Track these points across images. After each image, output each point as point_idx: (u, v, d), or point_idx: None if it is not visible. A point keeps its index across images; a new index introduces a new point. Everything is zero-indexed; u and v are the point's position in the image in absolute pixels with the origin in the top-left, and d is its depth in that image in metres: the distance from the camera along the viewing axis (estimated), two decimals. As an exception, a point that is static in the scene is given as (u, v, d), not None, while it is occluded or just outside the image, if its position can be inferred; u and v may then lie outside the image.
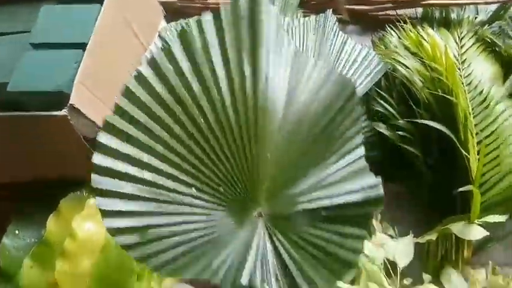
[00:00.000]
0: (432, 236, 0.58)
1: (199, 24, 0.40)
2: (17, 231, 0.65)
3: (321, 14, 0.75)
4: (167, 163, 0.38)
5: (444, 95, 0.58)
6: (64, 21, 0.64)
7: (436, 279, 0.57)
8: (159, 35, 0.76)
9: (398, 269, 0.56)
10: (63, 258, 0.58)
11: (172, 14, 0.88)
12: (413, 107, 0.62)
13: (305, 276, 0.41)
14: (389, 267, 0.57)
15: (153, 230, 0.38)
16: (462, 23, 0.77)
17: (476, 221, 0.57)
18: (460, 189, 0.55)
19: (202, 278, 0.37)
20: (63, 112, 0.55)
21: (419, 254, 0.61)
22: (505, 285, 0.54)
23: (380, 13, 0.83)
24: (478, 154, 0.61)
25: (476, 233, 0.56)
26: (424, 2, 0.78)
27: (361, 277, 0.56)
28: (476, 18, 0.80)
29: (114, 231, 0.38)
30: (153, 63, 0.40)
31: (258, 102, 0.39)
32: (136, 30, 0.75)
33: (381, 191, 0.43)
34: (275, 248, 0.41)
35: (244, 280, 0.38)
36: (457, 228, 0.57)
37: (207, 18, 0.41)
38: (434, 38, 0.72)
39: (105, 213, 0.39)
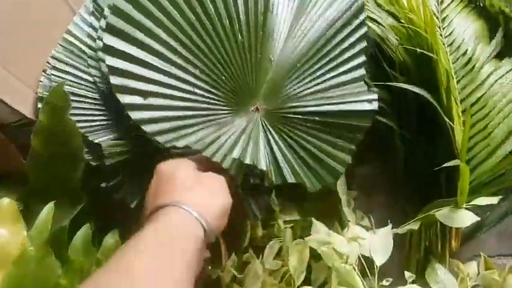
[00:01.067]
0: (414, 226, 0.49)
1: None
2: None
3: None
4: (177, 55, 0.43)
5: (423, 52, 0.48)
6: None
7: (421, 275, 0.49)
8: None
9: (375, 267, 0.47)
10: (-34, 272, 0.48)
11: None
12: (387, 69, 0.52)
13: (292, 171, 0.47)
14: (364, 265, 0.48)
15: (156, 99, 0.42)
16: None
17: (464, 205, 0.48)
18: (445, 164, 0.45)
19: (194, 148, 0.42)
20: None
21: (399, 246, 0.52)
22: (500, 281, 0.46)
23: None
24: (463, 125, 0.52)
25: (465, 219, 0.47)
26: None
27: (332, 279, 0.47)
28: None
29: (117, 89, 0.42)
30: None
31: (269, 6, 0.45)
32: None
33: (375, 106, 0.47)
34: (267, 140, 0.46)
35: (235, 154, 0.43)
36: (442, 214, 0.48)
37: None
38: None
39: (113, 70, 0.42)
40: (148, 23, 0.42)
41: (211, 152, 0.43)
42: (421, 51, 0.48)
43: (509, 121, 0.52)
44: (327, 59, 0.49)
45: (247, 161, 0.45)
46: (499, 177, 0.51)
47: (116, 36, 0.43)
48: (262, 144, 0.47)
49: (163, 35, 0.43)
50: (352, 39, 0.50)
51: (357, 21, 0.50)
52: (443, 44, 0.58)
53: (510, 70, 0.55)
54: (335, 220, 0.55)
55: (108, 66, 0.43)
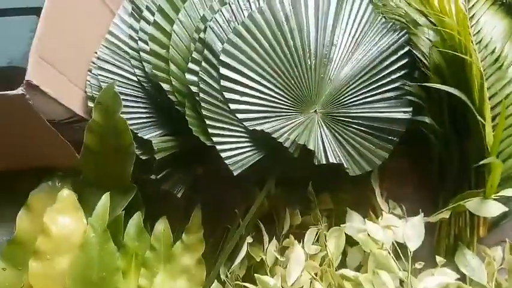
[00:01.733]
0: (445, 215, 0.53)
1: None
2: (-14, 229, 0.59)
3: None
4: (267, 73, 0.57)
5: (456, 53, 0.51)
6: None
7: (450, 260, 0.53)
8: (129, -1, 0.66)
9: (408, 252, 0.51)
10: (37, 258, 0.52)
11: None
12: (423, 69, 0.56)
13: (334, 155, 0.56)
14: (399, 250, 0.52)
15: (248, 98, 0.55)
16: (469, -26, 0.69)
17: (492, 196, 0.52)
18: (482, 161, 0.49)
19: (275, 135, 0.54)
20: (20, 91, 0.48)
21: (430, 233, 0.56)
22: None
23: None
24: (493, 120, 0.55)
25: (493, 209, 0.50)
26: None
27: (368, 263, 0.51)
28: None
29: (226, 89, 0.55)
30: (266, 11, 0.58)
31: (333, 41, 0.59)
32: (106, -1, 0.66)
33: (409, 116, 0.56)
34: (320, 133, 0.57)
35: (292, 137, 0.54)
36: (472, 204, 0.51)
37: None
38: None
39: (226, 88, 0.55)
40: (250, 55, 0.57)
41: (278, 135, 0.54)
42: (454, 53, 0.51)
43: (536, 117, 0.55)
44: (374, 79, 0.58)
45: (301, 141, 0.54)
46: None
47: (227, 68, 0.55)
48: (315, 135, 0.56)
49: (260, 60, 0.57)
50: (396, 66, 0.59)
51: (402, 52, 0.59)
52: (472, 43, 0.61)
53: (537, 68, 0.58)
54: (368, 209, 0.59)
55: (222, 86, 0.55)
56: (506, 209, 0.50)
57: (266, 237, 0.57)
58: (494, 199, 0.52)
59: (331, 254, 0.54)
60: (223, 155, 0.52)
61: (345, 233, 0.55)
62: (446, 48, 0.54)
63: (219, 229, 0.61)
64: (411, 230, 0.53)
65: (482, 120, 0.50)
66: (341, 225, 0.56)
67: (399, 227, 0.54)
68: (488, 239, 0.57)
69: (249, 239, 0.57)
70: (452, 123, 0.55)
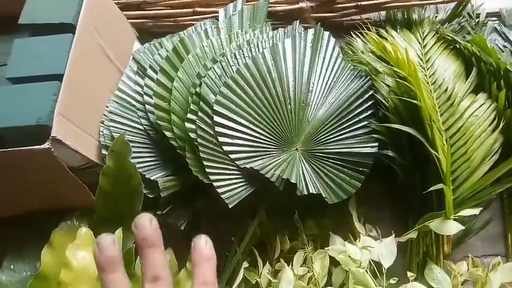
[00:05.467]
0: (413, 235, 0.61)
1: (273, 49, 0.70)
2: (12, 266, 0.66)
3: (288, 27, 0.78)
4: (253, 118, 0.66)
5: (409, 100, 0.61)
6: (38, 53, 0.65)
7: (420, 275, 0.61)
8: (133, 58, 0.77)
9: (383, 269, 0.59)
10: (61, 288, 0.59)
11: (145, 34, 0.89)
12: (382, 111, 0.66)
13: (314, 186, 0.65)
14: (375, 268, 0.60)
15: (239, 140, 0.64)
16: (423, 23, 0.81)
17: (452, 216, 0.60)
18: (431, 188, 0.58)
19: (263, 171, 0.63)
20: (46, 145, 0.56)
21: (402, 252, 0.64)
22: (484, 276, 0.58)
23: (345, 19, 0.86)
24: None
25: (452, 228, 0.59)
26: (385, 6, 0.81)
27: (349, 281, 0.59)
28: (436, 17, 0.84)
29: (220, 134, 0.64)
30: (251, 66, 0.68)
31: (309, 88, 0.69)
32: (111, 55, 0.76)
33: (375, 149, 0.66)
34: (301, 168, 0.66)
35: (277, 172, 0.64)
36: (434, 224, 0.60)
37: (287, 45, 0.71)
38: (396, 42, 0.76)
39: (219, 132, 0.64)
40: (239, 103, 0.66)
41: (266, 171, 0.63)
42: (408, 99, 0.61)
43: (484, 146, 0.64)
44: (345, 119, 0.68)
45: (285, 176, 0.63)
46: (479, 192, 0.63)
47: (219, 116, 0.65)
48: (296, 169, 0.65)
49: (247, 108, 0.66)
50: (363, 107, 0.69)
51: (367, 95, 0.69)
52: (428, 83, 0.71)
53: (484, 103, 0.68)
54: (348, 233, 0.67)
55: (216, 132, 0.64)
56: (463, 227, 0.59)
57: (260, 262, 0.65)
58: (454, 219, 0.60)
59: (317, 274, 0.62)
60: (219, 190, 0.61)
61: (329, 255, 0.63)
62: (401, 92, 0.64)
63: (218, 256, 0.69)
64: (385, 250, 0.61)
65: (435, 153, 0.60)
66: (325, 248, 0.64)
67: (375, 247, 0.62)
68: (454, 255, 0.65)
69: (245, 264, 0.65)
70: (412, 154, 0.64)
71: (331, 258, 0.63)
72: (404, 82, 0.62)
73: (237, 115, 0.66)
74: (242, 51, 0.73)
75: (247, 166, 0.63)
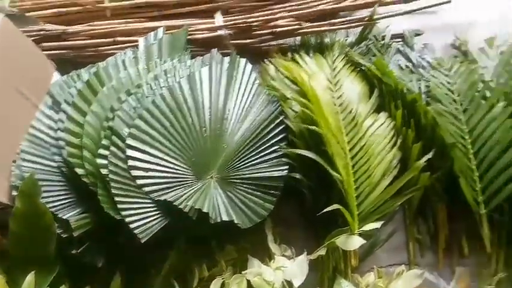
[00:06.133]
0: (322, 252, 0.65)
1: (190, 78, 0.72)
2: None
3: (206, 55, 0.81)
4: (169, 148, 0.68)
5: (309, 127, 0.65)
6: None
7: (331, 289, 0.64)
8: (49, 92, 0.76)
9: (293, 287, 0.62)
10: None
11: (68, 65, 0.89)
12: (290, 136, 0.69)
13: (227, 213, 0.66)
14: (286, 287, 0.62)
15: (153, 172, 0.66)
16: (334, 47, 0.85)
17: (356, 231, 0.64)
18: (327, 208, 0.62)
19: (176, 203, 0.64)
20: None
21: (315, 268, 0.67)
22: (384, 286, 0.62)
23: (263, 44, 0.89)
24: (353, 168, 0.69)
25: (356, 242, 0.62)
26: (298, 32, 0.86)
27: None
28: (346, 40, 0.89)
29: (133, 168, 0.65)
30: (168, 96, 0.70)
31: (224, 116, 0.71)
32: (27, 93, 0.75)
33: (285, 173, 0.69)
34: (215, 195, 0.68)
35: (190, 203, 0.65)
36: (340, 241, 0.63)
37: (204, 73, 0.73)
38: (307, 67, 0.80)
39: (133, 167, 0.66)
40: (154, 135, 0.68)
41: (179, 202, 0.64)
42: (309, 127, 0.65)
43: (385, 163, 0.69)
44: (258, 144, 0.71)
45: (197, 206, 0.65)
46: (381, 206, 0.67)
47: (133, 150, 0.66)
48: (210, 197, 0.67)
49: (162, 139, 0.68)
50: (274, 132, 0.72)
51: (277, 121, 0.73)
52: (335, 105, 0.75)
53: (384, 122, 0.73)
54: (266, 254, 0.69)
55: (130, 166, 0.65)
56: (365, 241, 0.63)
57: (179, 291, 0.66)
58: (359, 233, 0.64)
59: (234, 298, 0.64)
60: (131, 226, 0.62)
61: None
62: (304, 118, 0.68)
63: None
64: (297, 268, 0.64)
65: (337, 175, 0.64)
66: (242, 272, 0.66)
67: (288, 267, 0.65)
68: (363, 266, 0.69)
69: (166, 294, 0.66)
70: (318, 176, 0.68)
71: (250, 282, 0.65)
72: (306, 109, 0.66)
73: (152, 147, 0.67)
74: (159, 81, 0.74)
75: (161, 198, 0.64)
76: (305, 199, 0.70)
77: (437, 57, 0.82)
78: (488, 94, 0.71)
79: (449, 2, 0.85)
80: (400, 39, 0.88)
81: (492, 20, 0.88)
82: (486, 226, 0.65)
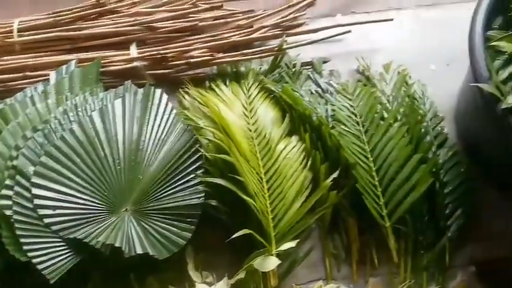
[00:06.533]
0: (241, 275, 0.66)
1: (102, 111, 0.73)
2: None
3: (120, 87, 0.81)
4: (77, 183, 0.67)
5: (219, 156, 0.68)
6: None
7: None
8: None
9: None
10: None
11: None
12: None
13: (142, 245, 0.66)
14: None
15: (61, 210, 0.64)
16: (249, 75, 0.89)
17: (273, 252, 0.66)
18: (236, 234, 0.64)
19: (87, 240, 0.63)
20: None
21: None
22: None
23: (180, 74, 0.91)
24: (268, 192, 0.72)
25: (271, 263, 0.65)
26: (212, 62, 0.89)
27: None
28: (261, 68, 0.93)
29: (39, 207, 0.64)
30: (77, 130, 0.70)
31: (139, 147, 0.72)
32: None
33: (202, 200, 0.70)
34: (129, 228, 0.67)
35: (117, 243, 0.64)
36: (257, 263, 0.65)
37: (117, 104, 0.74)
38: (223, 95, 0.83)
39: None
40: (62, 172, 0.67)
41: (90, 239, 0.63)
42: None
43: (297, 185, 0.72)
44: (175, 173, 0.71)
45: (109, 241, 0.63)
46: (296, 225, 0.70)
47: (39, 188, 0.65)
48: (123, 231, 0.65)
49: (71, 175, 0.67)
50: (190, 161, 0.72)
51: (193, 149, 0.73)
52: (250, 130, 0.78)
53: (295, 145, 0.77)
54: (187, 283, 0.69)
55: (36, 205, 0.64)
56: (280, 262, 0.65)
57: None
58: (277, 254, 0.66)
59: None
60: (39, 267, 0.59)
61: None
62: (218, 147, 0.70)
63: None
64: (216, 295, 0.65)
65: (249, 200, 0.66)
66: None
67: (208, 294, 0.65)
68: (284, 285, 0.71)
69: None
70: (234, 201, 0.70)
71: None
72: (215, 139, 0.68)
73: (60, 184, 0.65)
74: (68, 115, 0.73)
75: (71, 236, 0.62)
76: (227, 225, 0.71)
77: (343, 82, 0.88)
78: (385, 115, 0.78)
79: (349, 31, 0.93)
80: (310, 67, 0.94)
81: (391, 47, 0.96)
82: (392, 238, 0.70)
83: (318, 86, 0.90)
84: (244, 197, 0.66)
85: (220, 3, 0.94)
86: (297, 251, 0.74)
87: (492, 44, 0.64)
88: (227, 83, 0.89)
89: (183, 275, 0.70)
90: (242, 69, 0.93)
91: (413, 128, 0.76)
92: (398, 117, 0.79)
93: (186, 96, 0.84)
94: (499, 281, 0.73)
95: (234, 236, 0.63)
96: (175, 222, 0.68)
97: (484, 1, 0.68)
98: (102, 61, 0.89)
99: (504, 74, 0.64)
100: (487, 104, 0.61)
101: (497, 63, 0.67)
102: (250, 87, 0.87)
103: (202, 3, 0.95)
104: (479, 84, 0.61)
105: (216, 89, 0.86)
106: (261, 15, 0.94)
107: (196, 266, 0.71)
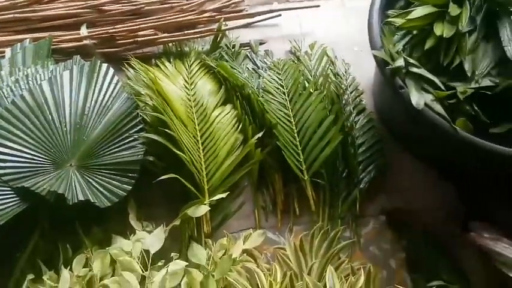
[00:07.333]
0: (176, 222, 0.74)
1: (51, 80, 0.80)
2: None
3: (69, 61, 0.88)
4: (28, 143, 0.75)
5: (157, 115, 0.77)
6: None
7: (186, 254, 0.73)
8: None
9: (150, 254, 0.70)
10: None
11: None
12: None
13: (84, 193, 0.73)
14: (145, 255, 0.71)
15: (11, 163, 0.72)
16: (191, 54, 0.98)
17: (206, 202, 0.76)
18: (162, 177, 0.73)
19: (33, 188, 0.70)
20: None
21: (176, 238, 0.76)
22: (227, 244, 0.73)
23: (128, 53, 0.99)
24: (203, 152, 0.81)
25: (202, 210, 0.74)
26: (158, 41, 0.97)
27: (117, 269, 0.68)
28: (203, 48, 1.02)
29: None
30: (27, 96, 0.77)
31: (84, 111, 0.79)
32: None
33: (141, 157, 0.78)
34: (73, 179, 0.74)
35: (60, 190, 0.71)
36: (190, 210, 0.74)
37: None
38: (167, 70, 0.92)
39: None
40: (12, 131, 0.75)
41: (36, 187, 0.70)
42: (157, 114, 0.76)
43: (228, 145, 0.82)
44: (118, 134, 0.80)
45: (53, 189, 0.70)
46: (226, 180, 0.80)
47: None
48: (67, 182, 0.73)
49: (22, 134, 0.74)
50: (132, 124, 0.81)
51: (134, 113, 0.82)
52: (190, 100, 0.87)
53: (229, 112, 0.87)
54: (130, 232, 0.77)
55: None
56: (209, 209, 0.74)
57: (45, 270, 0.70)
58: (205, 203, 0.75)
59: (96, 271, 0.70)
60: (-11, 211, 0.66)
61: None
62: (156, 110, 0.78)
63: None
64: (154, 239, 0.73)
65: (182, 154, 0.75)
66: (106, 248, 0.73)
67: (146, 239, 0.73)
68: (219, 234, 0.80)
69: (30, 276, 0.70)
70: (171, 158, 0.78)
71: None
72: (153, 102, 0.77)
73: (10, 141, 0.72)
74: (19, 84, 0.80)
75: (19, 185, 0.69)
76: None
77: (275, 60, 0.99)
78: (307, 85, 0.89)
79: (279, 15, 1.04)
80: (248, 48, 1.04)
81: (319, 31, 1.08)
82: (310, 189, 0.80)
83: (254, 63, 1.00)
84: (177, 152, 0.75)
85: (164, -12, 1.03)
86: (230, 205, 0.83)
87: (388, 20, 0.76)
88: (171, 60, 0.98)
89: (125, 225, 0.78)
90: (186, 49, 1.02)
91: (326, 97, 0.87)
92: (322, 89, 0.89)
93: (131, 70, 0.92)
94: (404, 228, 0.84)
95: (160, 179, 0.73)
96: (117, 177, 0.76)
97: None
98: (55, 40, 0.96)
99: (399, 46, 0.76)
100: (380, 68, 0.72)
101: (396, 38, 0.79)
102: (192, 64, 0.96)
103: (150, -11, 1.04)
104: (373, 51, 0.73)
105: (161, 65, 0.95)
106: (202, 1, 1.04)
107: (139, 217, 0.79)
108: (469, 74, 0.69)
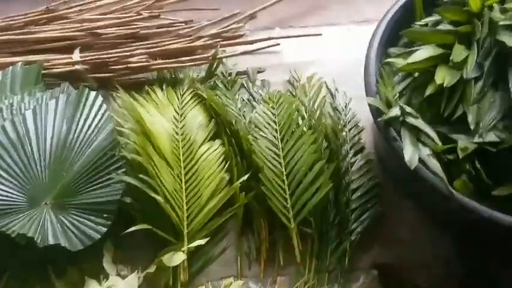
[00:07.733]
0: (151, 269, 0.71)
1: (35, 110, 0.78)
2: None
3: (57, 88, 0.86)
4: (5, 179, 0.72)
5: (136, 157, 0.73)
6: None
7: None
8: None
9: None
10: None
11: None
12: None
13: (54, 237, 0.69)
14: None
15: None
16: (184, 82, 0.94)
17: (184, 249, 0.71)
18: (132, 228, 0.70)
19: (3, 230, 0.66)
20: None
21: (151, 285, 0.72)
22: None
23: (121, 78, 0.96)
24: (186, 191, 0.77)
25: (178, 259, 0.69)
26: (151, 68, 0.94)
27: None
28: (198, 75, 0.98)
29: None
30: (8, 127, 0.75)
31: (66, 145, 0.77)
32: None
33: (118, 197, 0.74)
34: (46, 221, 0.71)
35: (30, 233, 0.68)
36: (165, 258, 0.70)
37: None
38: (158, 99, 0.88)
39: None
40: None
41: (6, 229, 0.67)
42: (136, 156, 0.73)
43: (212, 185, 0.78)
44: (96, 171, 0.76)
45: (23, 231, 0.67)
46: (207, 224, 0.75)
47: None
48: (38, 223, 0.70)
49: None
50: (111, 161, 0.77)
51: (116, 150, 0.78)
52: (177, 134, 0.83)
53: (217, 149, 0.82)
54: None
55: None
56: (185, 257, 0.70)
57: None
58: (184, 251, 0.71)
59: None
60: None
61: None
62: (134, 150, 0.75)
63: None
64: (126, 286, 0.69)
65: (161, 200, 0.71)
66: (79, 291, 0.70)
67: (119, 285, 0.70)
68: (198, 281, 0.75)
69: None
70: (150, 201, 0.74)
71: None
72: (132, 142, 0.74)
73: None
74: (2, 114, 0.78)
75: None
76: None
77: (271, 91, 0.94)
78: (301, 122, 0.83)
79: (278, 44, 0.99)
80: (245, 76, 0.99)
81: (322, 60, 1.02)
82: (295, 239, 0.74)
83: (250, 94, 0.95)
84: (156, 196, 0.71)
85: (158, 14, 0.99)
86: (212, 250, 0.79)
87: (388, 60, 0.70)
88: (164, 88, 0.94)
89: (101, 267, 0.75)
90: (181, 75, 0.98)
91: (321, 135, 0.81)
92: (317, 127, 0.84)
93: (118, 100, 0.89)
94: (398, 285, 0.78)
95: (130, 230, 0.69)
96: (92, 217, 0.73)
97: (385, 19, 0.73)
98: (47, 64, 0.95)
99: (398, 89, 0.70)
100: (374, 116, 0.67)
101: (397, 78, 0.73)
102: (184, 93, 0.92)
103: (146, 13, 1.00)
104: (365, 98, 0.67)
105: (152, 94, 0.91)
106: (201, 25, 1.00)
107: (115, 259, 0.76)
108: (472, 127, 0.63)
